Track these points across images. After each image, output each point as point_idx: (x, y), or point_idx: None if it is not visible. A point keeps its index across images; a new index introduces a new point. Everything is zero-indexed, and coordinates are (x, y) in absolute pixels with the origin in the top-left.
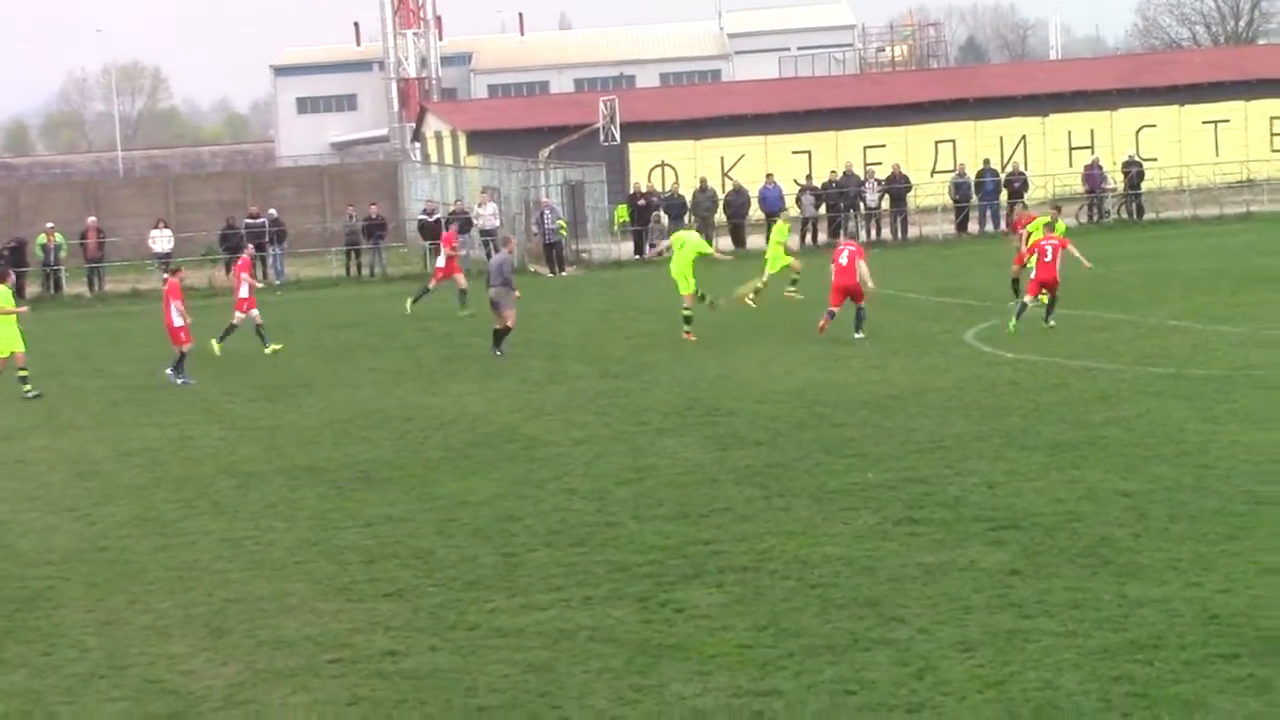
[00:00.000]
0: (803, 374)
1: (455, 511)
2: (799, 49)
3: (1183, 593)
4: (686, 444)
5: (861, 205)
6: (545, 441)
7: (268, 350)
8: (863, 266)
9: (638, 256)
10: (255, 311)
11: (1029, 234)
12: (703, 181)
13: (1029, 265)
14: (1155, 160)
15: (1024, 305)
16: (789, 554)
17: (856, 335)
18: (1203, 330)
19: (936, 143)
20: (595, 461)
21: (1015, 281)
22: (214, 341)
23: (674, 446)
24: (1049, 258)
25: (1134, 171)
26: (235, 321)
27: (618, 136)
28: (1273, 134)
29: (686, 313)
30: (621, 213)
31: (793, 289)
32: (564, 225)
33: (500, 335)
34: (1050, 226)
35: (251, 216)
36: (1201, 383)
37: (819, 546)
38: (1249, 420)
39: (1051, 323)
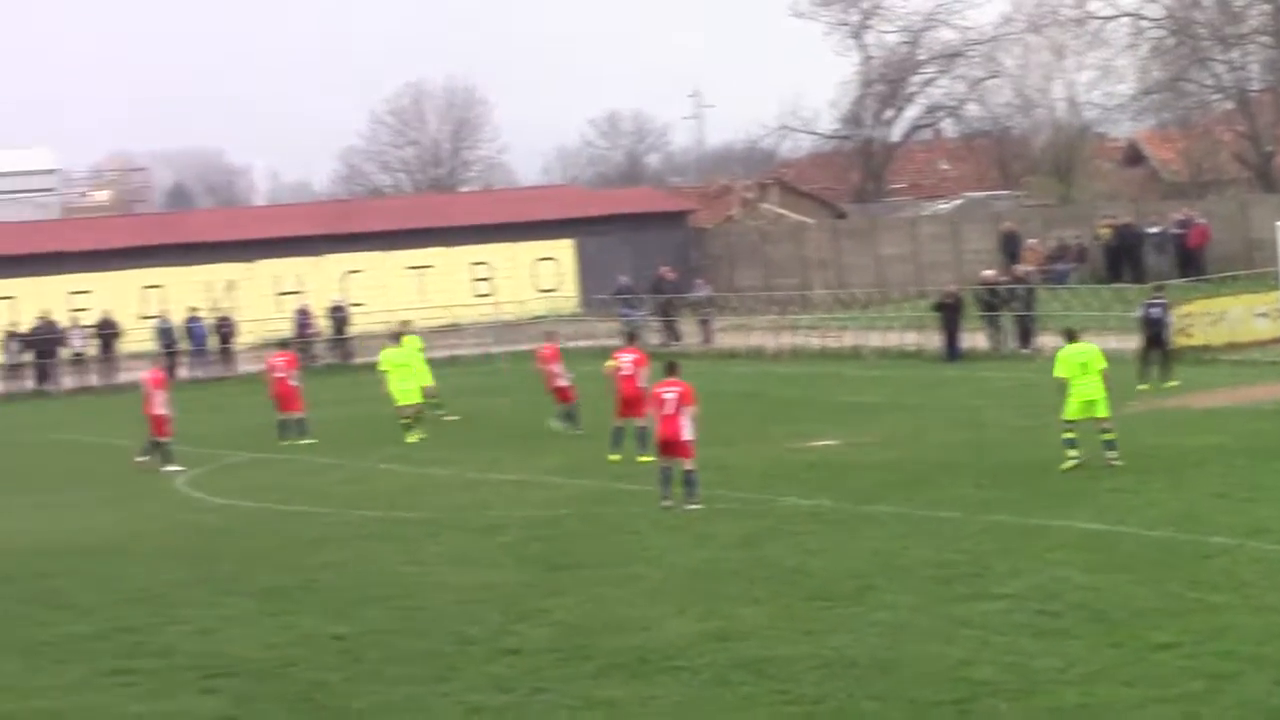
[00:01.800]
0: (8, 523)
1: None
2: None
3: None
4: None
5: (67, 351)
6: None
7: None
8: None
9: None
10: None
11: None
12: None
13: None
14: (363, 305)
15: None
16: None
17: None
18: (410, 472)
19: (144, 287)
20: None
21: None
22: None
23: None
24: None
25: (339, 316)
26: None
27: None
28: (475, 279)
29: None
30: None
31: None
32: None
33: None
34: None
35: None
36: (410, 525)
37: (27, 700)
38: (456, 561)
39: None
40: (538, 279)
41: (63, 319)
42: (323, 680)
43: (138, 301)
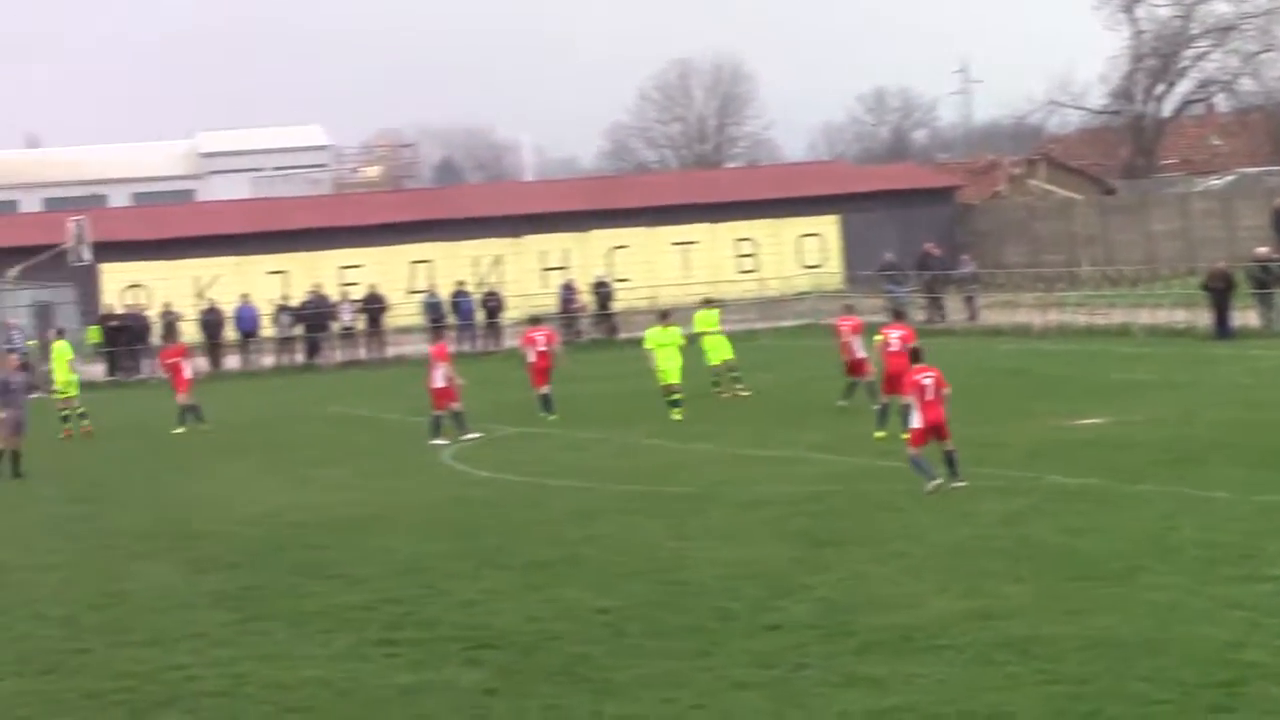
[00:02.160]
0: (280, 496)
1: None
2: (274, 169)
3: (656, 709)
4: (160, 568)
5: (337, 325)
6: (13, 567)
7: None
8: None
9: (110, 377)
10: None
11: None
12: (166, 305)
13: None
14: (627, 280)
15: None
16: (266, 678)
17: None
18: (676, 449)
19: (412, 263)
20: (65, 587)
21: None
22: None
23: (147, 570)
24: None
25: (604, 292)
26: None
27: (88, 257)
28: (739, 255)
29: None
30: (93, 334)
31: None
32: (34, 344)
33: None
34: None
35: None
36: (674, 500)
37: (296, 669)
38: (719, 537)
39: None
40: (802, 255)
41: (333, 293)
42: (585, 654)
43: (406, 276)
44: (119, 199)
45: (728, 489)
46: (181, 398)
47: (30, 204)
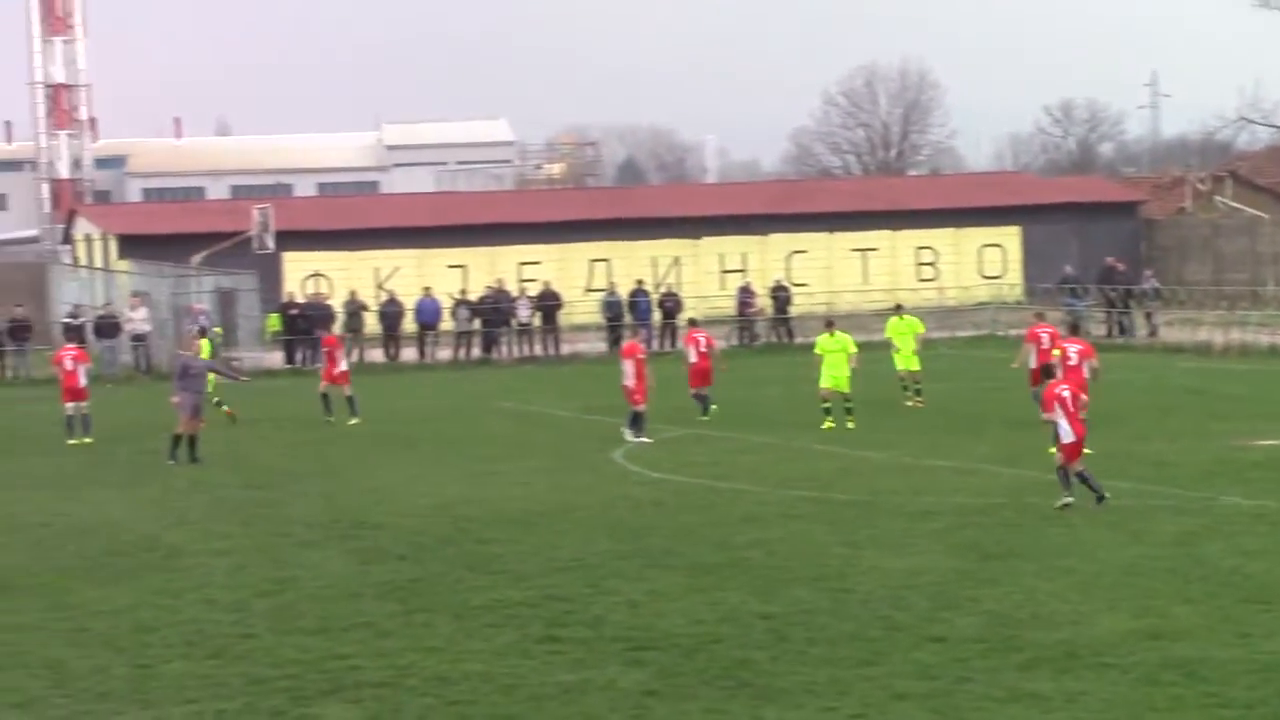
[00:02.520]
0: (450, 490)
1: (89, 621)
2: (457, 163)
3: (816, 717)
4: (329, 557)
5: (514, 321)
6: (186, 551)
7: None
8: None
9: (289, 365)
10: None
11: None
12: (351, 293)
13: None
14: (806, 285)
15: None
16: (429, 670)
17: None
18: (847, 455)
19: (591, 261)
20: (236, 572)
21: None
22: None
23: (316, 559)
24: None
25: (782, 296)
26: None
27: (271, 245)
28: (919, 263)
29: None
30: (273, 321)
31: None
32: (219, 331)
33: (177, 441)
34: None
35: None
36: (843, 507)
37: (459, 663)
38: (888, 546)
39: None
40: (982, 266)
41: (511, 289)
42: (747, 658)
43: (584, 274)
44: (304, 188)
45: (897, 498)
46: (324, 386)
47: (217, 190)
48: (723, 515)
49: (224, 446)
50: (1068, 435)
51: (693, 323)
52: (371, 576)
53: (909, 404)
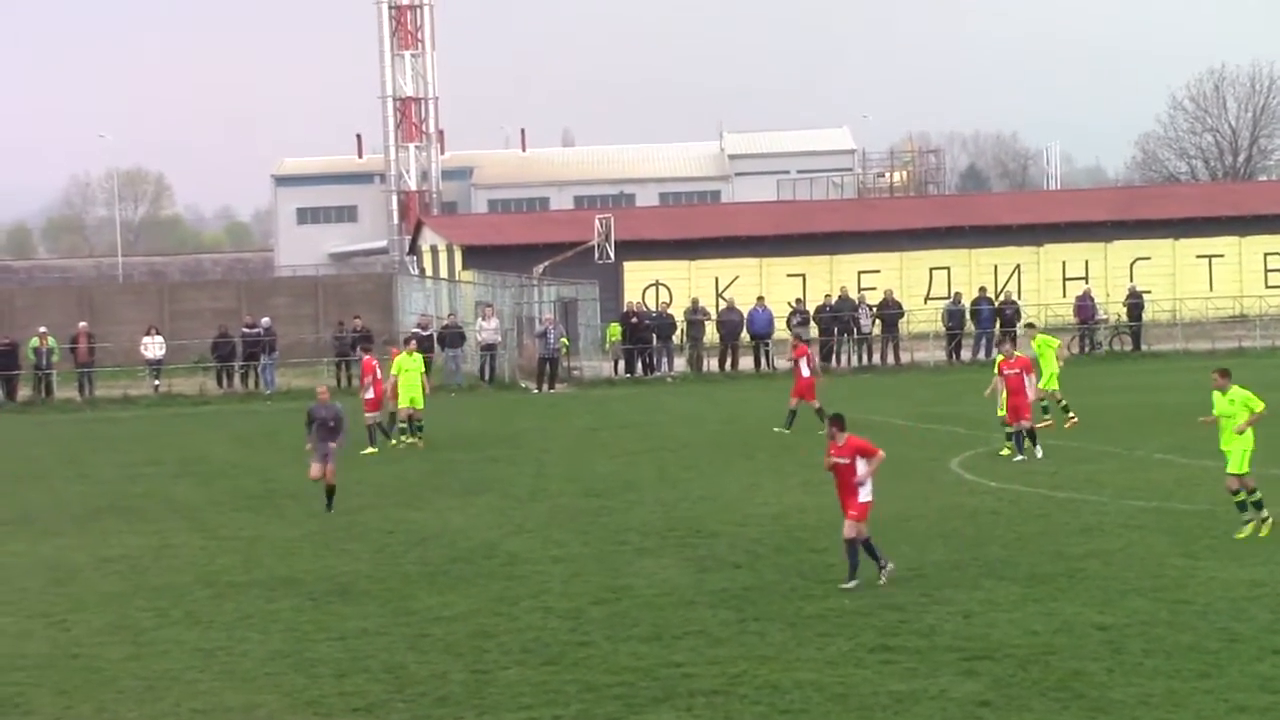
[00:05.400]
0: (787, 498)
1: (429, 627)
2: (799, 172)
3: None
4: (665, 565)
5: (855, 330)
6: (524, 559)
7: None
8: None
9: (628, 374)
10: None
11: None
12: (694, 302)
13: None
14: (1149, 293)
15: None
16: (760, 679)
17: None
18: (1188, 465)
19: (931, 269)
20: (572, 580)
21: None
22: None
23: (652, 567)
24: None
25: (1134, 304)
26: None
27: (612, 255)
28: (1267, 269)
29: None
30: (614, 331)
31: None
32: (566, 342)
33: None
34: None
35: (248, 326)
36: (1184, 517)
37: (791, 672)
38: (1229, 556)
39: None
40: None
41: (852, 298)
42: (1082, 669)
43: (924, 282)
44: (646, 198)
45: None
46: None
47: (561, 201)
48: (1060, 525)
49: (564, 455)
50: None
51: (800, 339)
52: (706, 584)
53: (1066, 425)
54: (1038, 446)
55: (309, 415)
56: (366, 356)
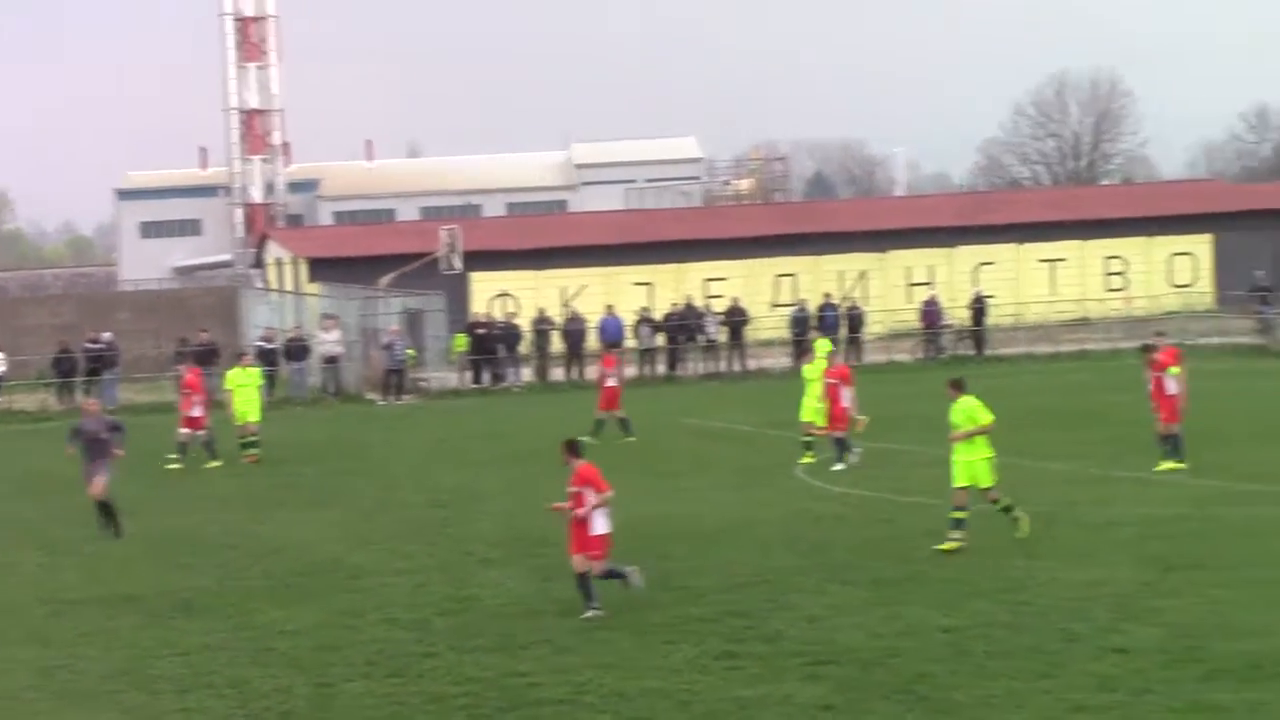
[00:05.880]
0: (633, 507)
1: (273, 641)
2: (646, 181)
3: None
4: (510, 575)
5: (701, 337)
6: (369, 571)
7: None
8: None
9: (475, 385)
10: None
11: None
12: (540, 311)
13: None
14: (993, 297)
15: None
16: (606, 687)
17: None
18: (1031, 467)
19: (777, 276)
20: (418, 591)
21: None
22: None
23: (498, 577)
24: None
25: (978, 308)
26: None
27: (459, 265)
28: (1108, 273)
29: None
30: (460, 342)
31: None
32: (412, 353)
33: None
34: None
35: (91, 341)
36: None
37: (637, 680)
38: (1069, 557)
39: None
40: (1172, 274)
41: (698, 306)
42: (926, 671)
43: (770, 289)
44: (494, 208)
45: (1081, 509)
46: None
47: (408, 212)
48: (905, 529)
49: (409, 467)
50: None
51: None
52: (552, 594)
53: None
54: (852, 452)
55: (75, 430)
56: (190, 372)
